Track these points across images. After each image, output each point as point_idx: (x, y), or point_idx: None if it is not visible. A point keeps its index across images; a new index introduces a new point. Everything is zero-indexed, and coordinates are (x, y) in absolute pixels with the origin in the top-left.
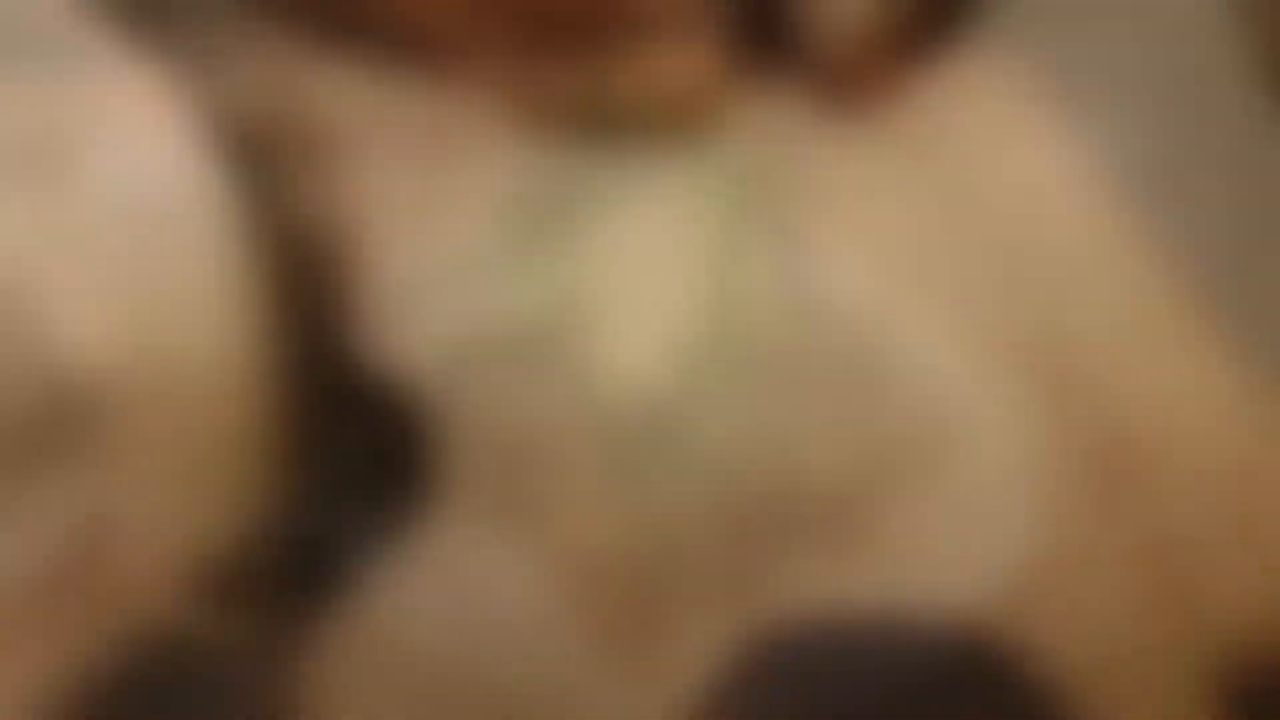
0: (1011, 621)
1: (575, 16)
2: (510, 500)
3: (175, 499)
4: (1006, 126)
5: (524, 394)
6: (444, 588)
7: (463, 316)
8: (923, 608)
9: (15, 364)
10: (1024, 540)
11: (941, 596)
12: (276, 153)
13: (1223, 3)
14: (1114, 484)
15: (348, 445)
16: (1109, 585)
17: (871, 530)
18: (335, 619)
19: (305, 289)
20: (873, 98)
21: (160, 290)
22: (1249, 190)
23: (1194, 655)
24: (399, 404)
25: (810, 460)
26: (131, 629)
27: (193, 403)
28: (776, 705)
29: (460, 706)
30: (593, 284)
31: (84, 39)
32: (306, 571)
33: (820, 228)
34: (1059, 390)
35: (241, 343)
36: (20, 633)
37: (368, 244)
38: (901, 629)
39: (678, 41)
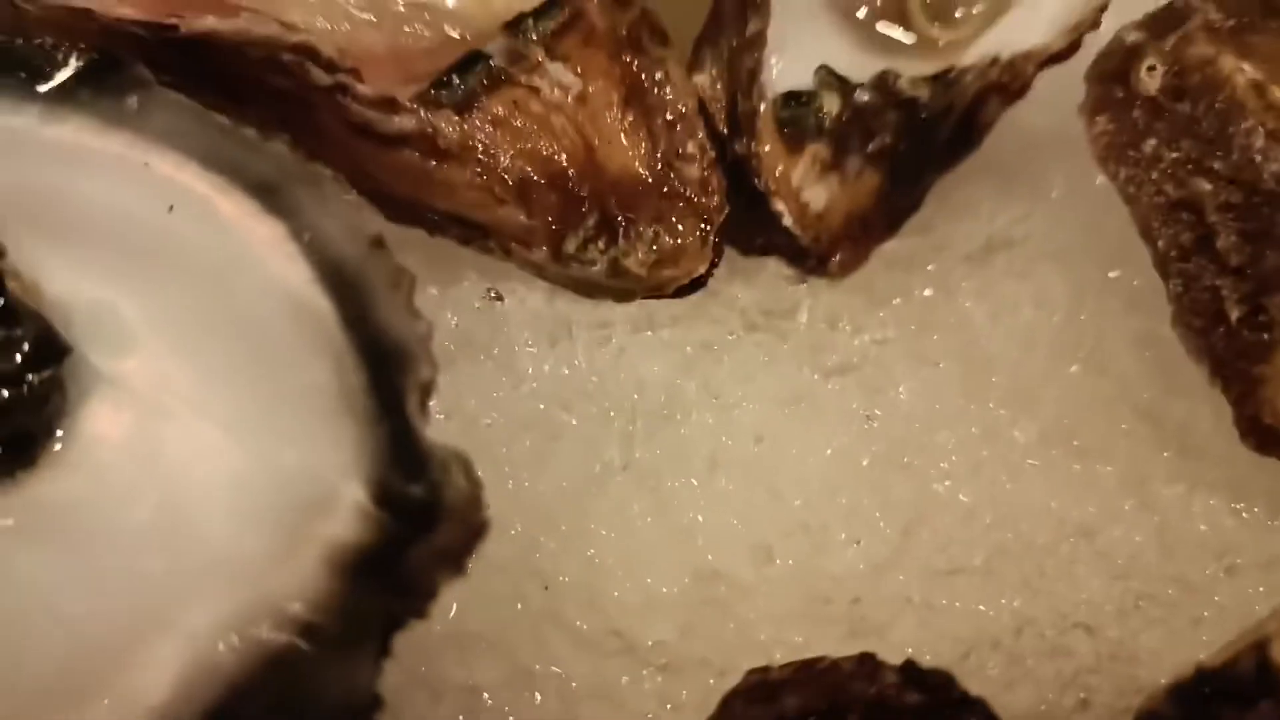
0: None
1: (603, 202)
2: None
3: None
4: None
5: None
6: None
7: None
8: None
9: None
10: None
11: None
12: (365, 284)
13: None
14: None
15: (416, 496)
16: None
17: None
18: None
19: (385, 382)
20: (839, 267)
21: (279, 374)
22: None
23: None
24: (453, 468)
25: None
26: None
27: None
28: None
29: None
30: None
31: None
32: (394, 590)
33: None
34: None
35: (341, 419)
36: None
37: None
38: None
39: (683, 221)
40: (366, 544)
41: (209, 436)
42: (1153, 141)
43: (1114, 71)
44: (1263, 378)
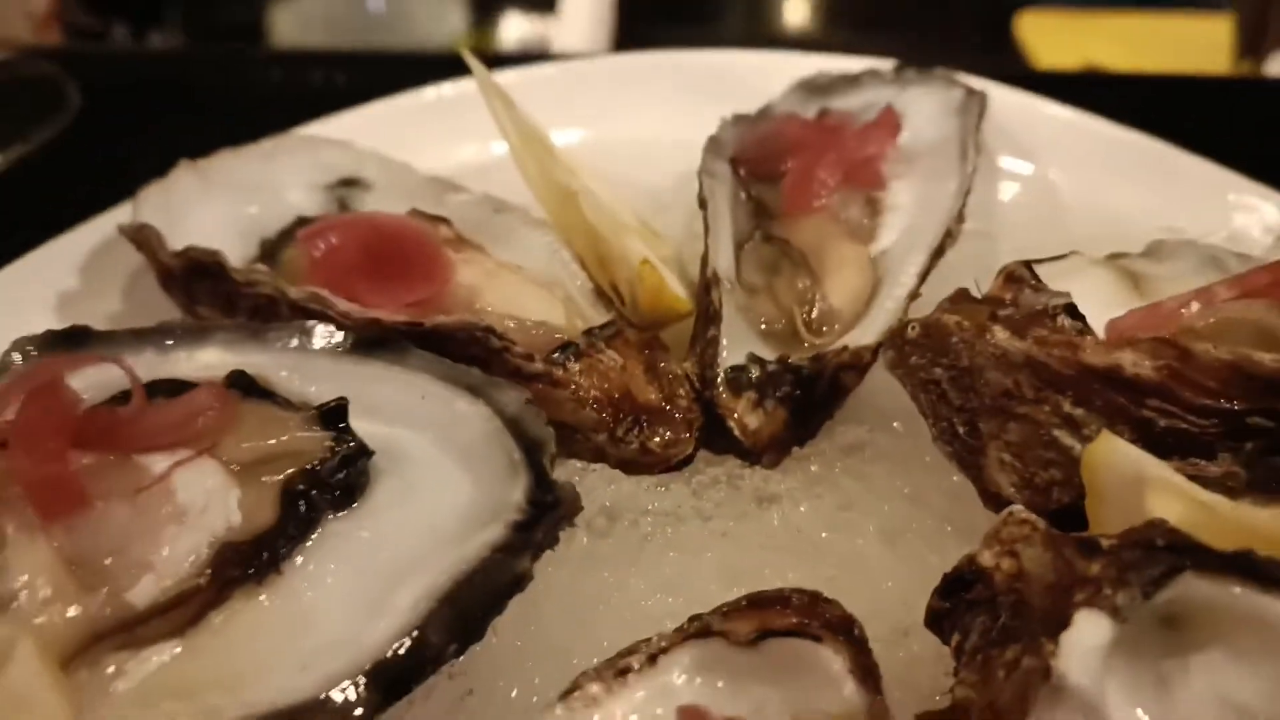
0: None
1: (636, 414)
2: None
3: None
4: (826, 465)
5: None
6: None
7: None
8: None
9: None
10: None
11: None
12: (522, 417)
13: None
14: None
15: (547, 500)
16: None
17: None
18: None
19: (531, 456)
20: (769, 462)
21: (480, 458)
22: None
23: None
24: (566, 487)
25: None
26: None
27: (495, 497)
28: None
29: None
30: None
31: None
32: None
33: None
34: (858, 554)
35: (511, 474)
36: None
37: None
38: None
39: (679, 426)
40: (525, 520)
41: (446, 492)
42: (914, 358)
43: (896, 333)
44: (982, 465)
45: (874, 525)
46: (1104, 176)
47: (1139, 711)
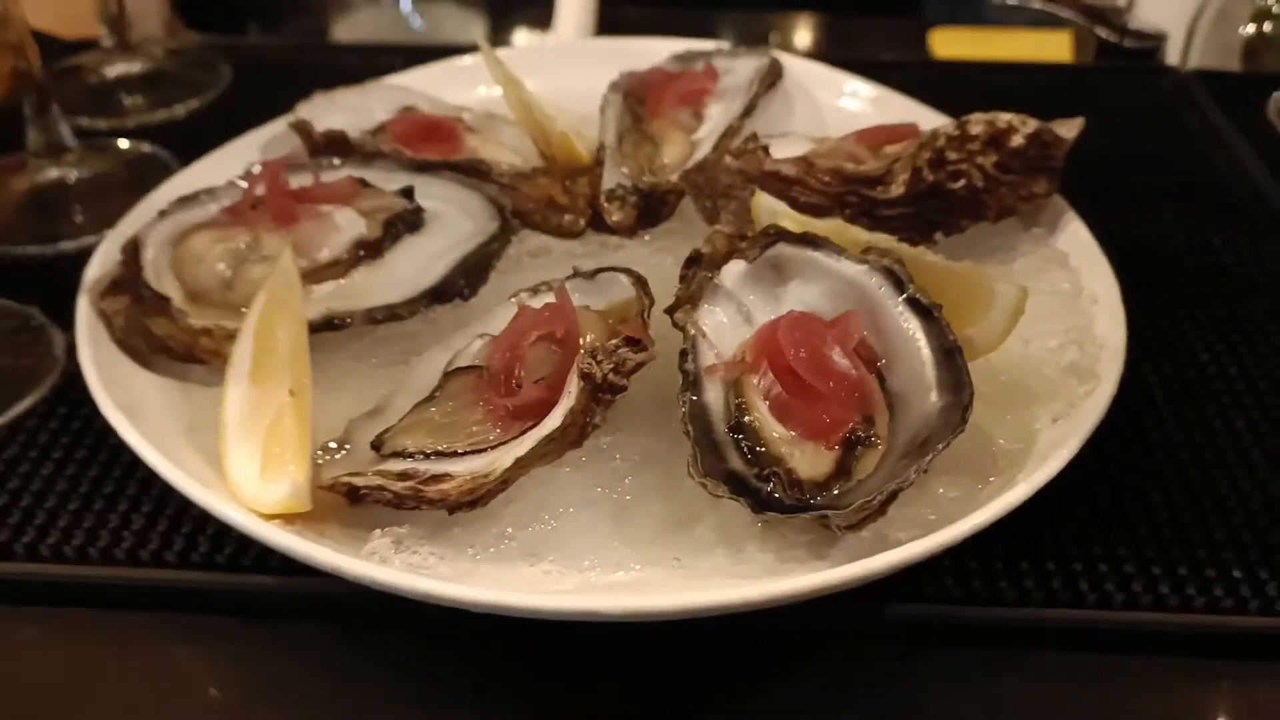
0: None
1: (557, 206)
2: None
3: None
4: (657, 236)
5: None
6: None
7: None
8: None
9: None
10: None
11: None
12: (499, 201)
13: None
14: None
15: (509, 228)
16: None
17: None
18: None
19: (500, 214)
20: (626, 235)
21: (477, 214)
22: None
23: None
24: (513, 220)
25: None
26: None
27: (492, 224)
28: None
29: None
30: None
31: None
32: (501, 235)
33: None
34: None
35: (492, 217)
36: None
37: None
38: None
39: (578, 214)
40: (495, 234)
41: (460, 227)
42: (692, 175)
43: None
44: (717, 222)
45: (672, 258)
46: (859, 116)
47: (765, 307)
